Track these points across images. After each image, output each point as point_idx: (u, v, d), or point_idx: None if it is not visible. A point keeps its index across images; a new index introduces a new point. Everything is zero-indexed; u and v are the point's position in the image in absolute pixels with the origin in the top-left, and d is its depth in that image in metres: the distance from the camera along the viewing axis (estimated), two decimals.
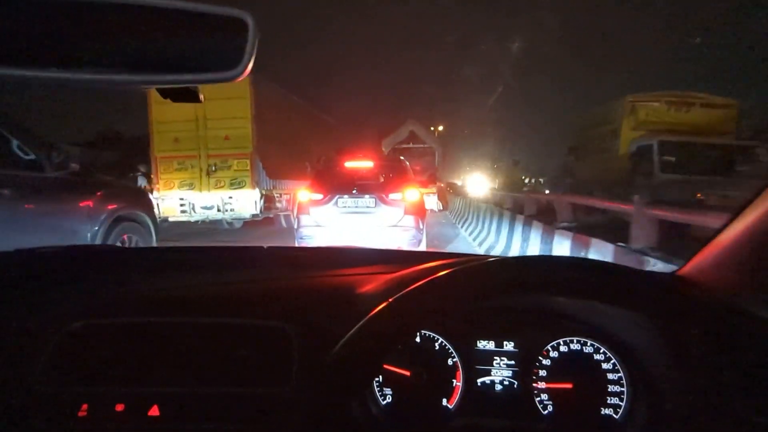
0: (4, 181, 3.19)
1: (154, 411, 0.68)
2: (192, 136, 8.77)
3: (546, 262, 0.64)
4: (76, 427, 0.68)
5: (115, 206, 4.04)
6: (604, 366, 0.78)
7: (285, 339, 0.72)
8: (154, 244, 4.48)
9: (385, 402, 0.80)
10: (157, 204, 8.95)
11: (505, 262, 0.63)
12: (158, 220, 9.07)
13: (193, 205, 8.88)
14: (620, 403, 0.77)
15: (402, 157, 8.20)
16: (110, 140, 26.01)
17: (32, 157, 3.41)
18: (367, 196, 5.78)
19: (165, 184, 8.93)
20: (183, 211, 8.94)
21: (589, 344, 0.80)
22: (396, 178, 6.16)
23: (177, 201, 8.89)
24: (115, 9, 0.45)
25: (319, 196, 5.79)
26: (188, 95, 0.56)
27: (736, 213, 0.67)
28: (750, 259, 0.64)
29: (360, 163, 6.64)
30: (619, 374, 0.78)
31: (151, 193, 9.04)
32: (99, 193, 3.95)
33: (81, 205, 3.75)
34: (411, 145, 18.40)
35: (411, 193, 5.85)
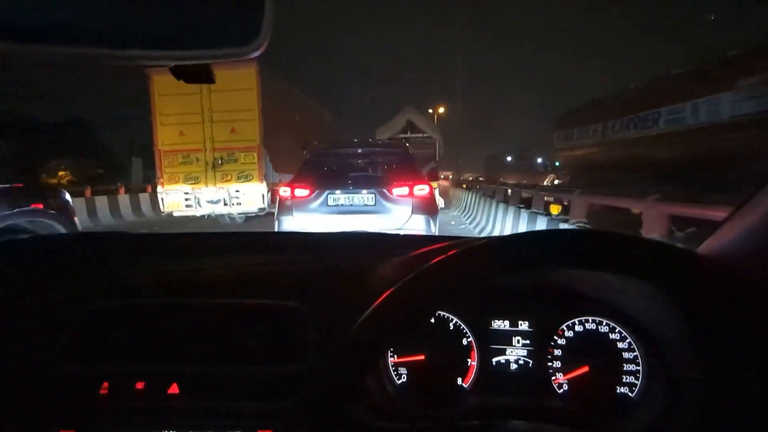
0: None
1: (174, 389, 0.70)
2: (197, 129, 8.60)
3: (560, 234, 0.61)
4: (97, 404, 0.70)
5: None
6: (620, 345, 0.79)
7: (300, 319, 0.74)
8: None
9: (400, 381, 0.81)
10: (162, 198, 8.84)
11: (518, 237, 0.62)
12: (162, 214, 9.19)
13: (199, 199, 8.72)
14: (636, 382, 0.77)
15: (407, 144, 6.88)
16: (7, 127, 21.02)
17: None
18: (365, 191, 4.62)
19: (169, 179, 8.77)
20: (188, 206, 8.78)
21: (604, 324, 0.80)
22: (401, 169, 4.99)
23: (182, 195, 8.73)
24: None
25: (305, 192, 4.63)
26: (202, 75, 0.55)
27: (753, 192, 0.66)
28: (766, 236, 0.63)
29: (356, 151, 5.45)
30: (635, 353, 0.78)
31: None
32: None
33: None
34: (409, 135, 16.04)
35: (420, 187, 4.66)
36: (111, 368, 0.72)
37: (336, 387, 0.57)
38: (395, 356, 0.81)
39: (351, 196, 4.64)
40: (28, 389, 0.71)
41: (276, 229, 4.80)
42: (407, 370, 0.81)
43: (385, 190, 4.63)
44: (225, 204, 8.69)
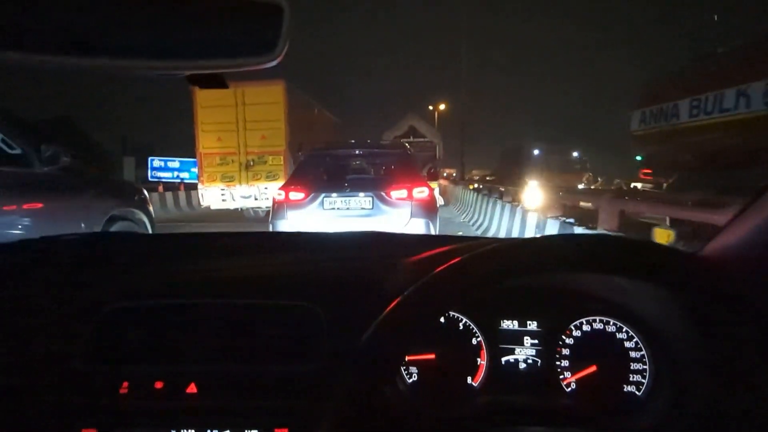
0: None
1: (192, 388, 0.72)
2: (233, 136, 10.23)
3: (568, 239, 0.65)
4: (118, 403, 0.72)
5: (109, 204, 3.75)
6: (627, 344, 0.81)
7: (314, 319, 0.77)
8: None
9: (411, 380, 0.84)
10: (201, 194, 10.47)
11: (528, 242, 0.64)
12: (201, 207, 10.70)
13: (233, 194, 10.34)
14: (643, 381, 0.79)
15: (406, 144, 6.81)
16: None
17: (18, 151, 3.16)
18: (362, 194, 4.56)
19: (209, 177, 10.40)
20: (223, 200, 10.41)
21: (611, 323, 0.82)
22: (399, 171, 5.00)
23: (219, 191, 10.36)
24: None
25: (300, 196, 4.56)
26: (216, 81, 0.56)
27: (757, 194, 0.67)
28: None
29: (353, 152, 5.42)
30: (642, 352, 0.80)
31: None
32: (92, 191, 3.67)
33: (73, 204, 3.47)
34: (411, 139, 17.71)
35: (419, 189, 4.59)
36: (130, 368, 0.74)
37: (352, 389, 0.58)
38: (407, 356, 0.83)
39: (348, 199, 4.54)
40: (50, 389, 0.72)
41: None
42: (418, 369, 0.84)
43: (383, 193, 4.54)
44: (255, 199, 10.25)
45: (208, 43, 0.47)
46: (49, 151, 3.25)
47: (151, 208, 4.22)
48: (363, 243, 1.08)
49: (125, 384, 0.72)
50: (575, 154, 25.38)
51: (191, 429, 0.70)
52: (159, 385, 0.72)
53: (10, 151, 3.11)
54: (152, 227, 4.20)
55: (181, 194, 14.88)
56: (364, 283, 0.80)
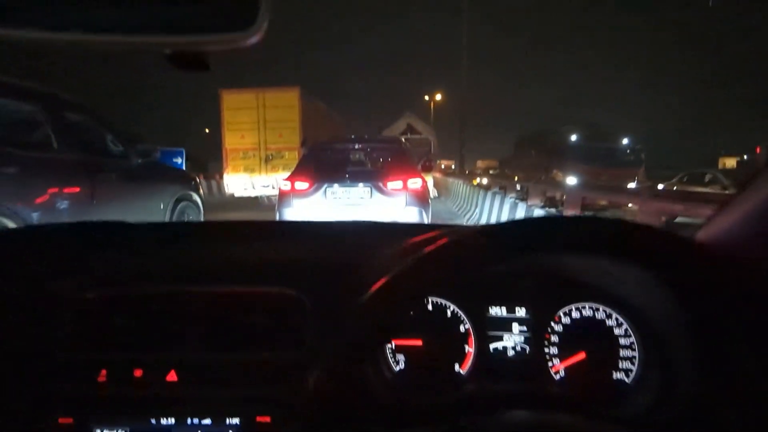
0: (105, 167, 3.90)
1: (172, 376, 0.71)
2: (254, 134, 11.91)
3: (555, 220, 0.63)
4: (95, 391, 0.71)
5: (177, 188, 4.81)
6: (617, 331, 0.80)
7: (299, 306, 0.76)
8: (202, 219, 5.13)
9: (398, 368, 0.83)
10: (227, 184, 12.17)
11: (513, 224, 0.61)
12: (226, 194, 12.35)
13: (254, 184, 12.03)
14: (632, 368, 0.79)
15: (402, 138, 7.52)
16: None
17: (121, 148, 4.16)
18: (361, 184, 5.06)
19: (233, 169, 12.10)
20: (245, 189, 12.12)
21: (601, 310, 0.81)
22: (395, 164, 5.48)
23: (241, 181, 12.06)
24: None
25: (304, 186, 5.07)
26: (197, 63, 0.53)
27: (751, 179, 0.67)
28: (766, 223, 0.63)
29: (353, 146, 5.96)
30: (631, 339, 0.79)
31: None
32: (166, 178, 4.78)
33: (157, 188, 4.52)
34: (408, 136, 19.64)
35: (414, 181, 5.10)
36: (109, 356, 0.73)
37: (335, 374, 0.57)
38: (392, 343, 0.83)
39: (348, 189, 5.04)
40: (27, 378, 0.71)
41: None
42: (405, 356, 0.83)
43: (380, 184, 5.03)
44: (273, 188, 11.83)
45: (183, 17, 0.45)
46: (143, 147, 4.40)
47: (202, 192, 5.28)
48: (350, 231, 1.08)
49: (103, 372, 0.71)
50: (625, 141, 19.14)
51: (171, 417, 0.70)
52: (138, 373, 0.72)
53: (115, 148, 4.15)
54: (203, 207, 5.24)
55: (213, 182, 16.68)
56: (350, 269, 0.77)
